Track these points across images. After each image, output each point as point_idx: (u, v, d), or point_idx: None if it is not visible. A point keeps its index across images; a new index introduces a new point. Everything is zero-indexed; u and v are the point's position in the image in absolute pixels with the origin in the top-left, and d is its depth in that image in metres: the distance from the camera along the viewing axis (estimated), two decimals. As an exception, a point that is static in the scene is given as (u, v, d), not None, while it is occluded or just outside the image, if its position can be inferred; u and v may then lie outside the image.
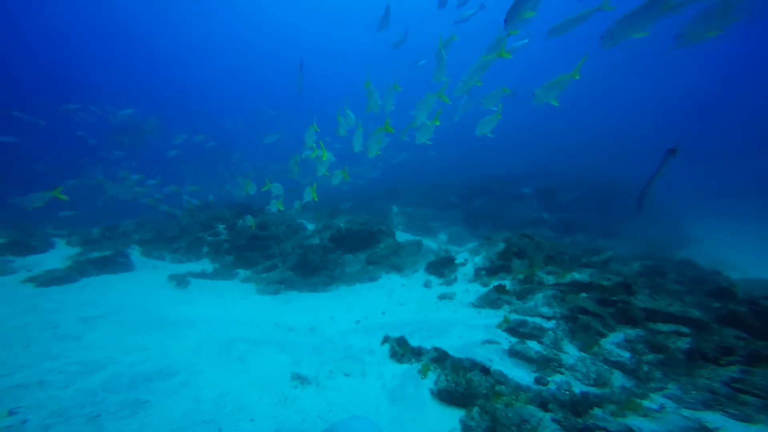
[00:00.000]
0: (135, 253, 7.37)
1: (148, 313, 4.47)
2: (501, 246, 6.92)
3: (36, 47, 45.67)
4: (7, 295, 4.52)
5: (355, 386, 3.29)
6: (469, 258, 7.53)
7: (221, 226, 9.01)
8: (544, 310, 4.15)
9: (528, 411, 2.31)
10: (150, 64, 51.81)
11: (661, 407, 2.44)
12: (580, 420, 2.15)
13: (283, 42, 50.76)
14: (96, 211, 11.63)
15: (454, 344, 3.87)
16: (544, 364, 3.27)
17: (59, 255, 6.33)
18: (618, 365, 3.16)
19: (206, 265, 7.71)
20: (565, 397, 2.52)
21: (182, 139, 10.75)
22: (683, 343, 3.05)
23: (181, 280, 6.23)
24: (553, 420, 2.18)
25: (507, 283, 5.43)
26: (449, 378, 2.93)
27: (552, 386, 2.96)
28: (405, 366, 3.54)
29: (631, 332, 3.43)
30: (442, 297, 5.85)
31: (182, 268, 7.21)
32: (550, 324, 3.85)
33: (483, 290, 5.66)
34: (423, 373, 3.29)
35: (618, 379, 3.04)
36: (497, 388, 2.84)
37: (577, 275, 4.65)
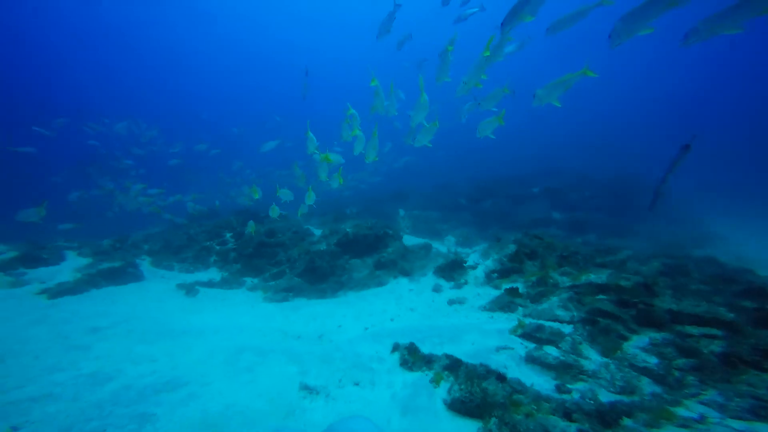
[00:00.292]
0: (145, 264, 7.42)
1: (157, 323, 4.45)
2: (511, 247, 6.74)
3: (37, 55, 46.80)
4: (20, 306, 4.57)
5: (364, 396, 3.18)
6: (480, 261, 7.37)
7: (228, 234, 9.04)
8: (561, 313, 3.98)
9: (551, 422, 2.16)
10: (155, 71, 53.13)
11: (702, 417, 2.25)
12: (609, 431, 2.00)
13: (288, 47, 51.60)
14: (106, 221, 11.83)
15: (466, 351, 3.72)
16: (564, 370, 3.10)
17: (71, 267, 6.41)
18: (645, 371, 2.97)
19: (214, 273, 7.72)
20: (590, 406, 2.36)
21: (180, 147, 10.86)
22: (716, 347, 2.85)
23: (189, 290, 6.22)
24: (580, 431, 2.03)
25: (519, 285, 5.26)
26: (463, 387, 2.80)
27: (575, 394, 2.79)
28: (416, 374, 3.41)
29: (657, 335, 3.24)
30: (452, 302, 5.70)
31: (190, 277, 7.23)
32: (568, 328, 3.68)
33: (495, 294, 5.50)
34: (435, 381, 3.15)
35: (647, 385, 2.85)
36: (515, 397, 2.69)
37: (593, 276, 4.47)
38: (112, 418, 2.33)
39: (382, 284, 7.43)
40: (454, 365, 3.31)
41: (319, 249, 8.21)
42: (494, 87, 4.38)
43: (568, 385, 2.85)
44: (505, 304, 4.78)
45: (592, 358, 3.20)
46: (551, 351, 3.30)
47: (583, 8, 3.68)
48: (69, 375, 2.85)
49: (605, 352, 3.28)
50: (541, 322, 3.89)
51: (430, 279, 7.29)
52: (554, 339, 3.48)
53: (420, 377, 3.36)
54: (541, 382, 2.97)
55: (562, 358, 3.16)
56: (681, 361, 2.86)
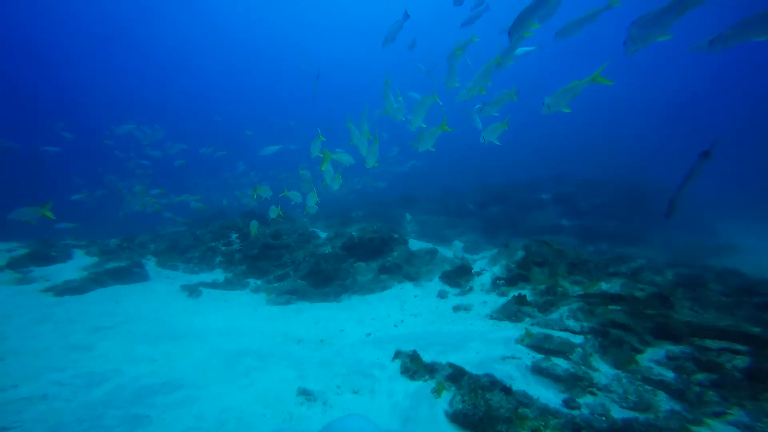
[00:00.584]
0: (150, 264, 7.48)
1: (159, 324, 4.44)
2: (520, 254, 6.57)
3: (43, 55, 48.15)
4: (26, 304, 4.62)
5: (363, 405, 3.08)
6: (486, 267, 7.21)
7: (234, 236, 9.08)
8: (570, 323, 3.81)
9: (558, 440, 2.03)
10: (168, 73, 54.42)
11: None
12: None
13: (299, 50, 52.45)
14: (116, 221, 12.03)
15: (471, 360, 3.59)
16: (574, 383, 2.95)
17: (78, 265, 6.50)
18: (662, 385, 2.80)
19: (218, 274, 7.74)
20: (602, 423, 2.21)
21: (179, 148, 10.99)
22: (740, 362, 2.66)
23: (192, 291, 6.23)
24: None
25: (527, 293, 5.10)
26: (466, 399, 2.68)
27: (585, 410, 2.64)
28: (418, 383, 3.29)
29: (674, 348, 3.06)
30: (457, 308, 5.56)
31: (195, 278, 7.25)
32: (578, 339, 3.52)
33: (501, 301, 5.34)
34: (437, 392, 3.03)
35: (664, 401, 2.68)
36: (521, 411, 2.56)
37: (605, 285, 4.29)
38: (104, 419, 2.28)
39: (387, 289, 7.33)
40: (457, 375, 3.19)
41: (324, 252, 8.17)
42: (499, 90, 4.30)
43: (578, 399, 2.70)
44: (512, 312, 4.63)
45: (604, 370, 3.03)
46: (560, 362, 3.14)
47: (592, 12, 3.62)
48: (67, 375, 2.83)
49: (617, 365, 3.11)
50: (549, 331, 3.73)
51: (435, 284, 7.16)
52: (563, 350, 3.32)
53: (422, 387, 3.24)
54: (549, 396, 2.83)
55: (571, 369, 3.01)
56: (701, 376, 2.68)
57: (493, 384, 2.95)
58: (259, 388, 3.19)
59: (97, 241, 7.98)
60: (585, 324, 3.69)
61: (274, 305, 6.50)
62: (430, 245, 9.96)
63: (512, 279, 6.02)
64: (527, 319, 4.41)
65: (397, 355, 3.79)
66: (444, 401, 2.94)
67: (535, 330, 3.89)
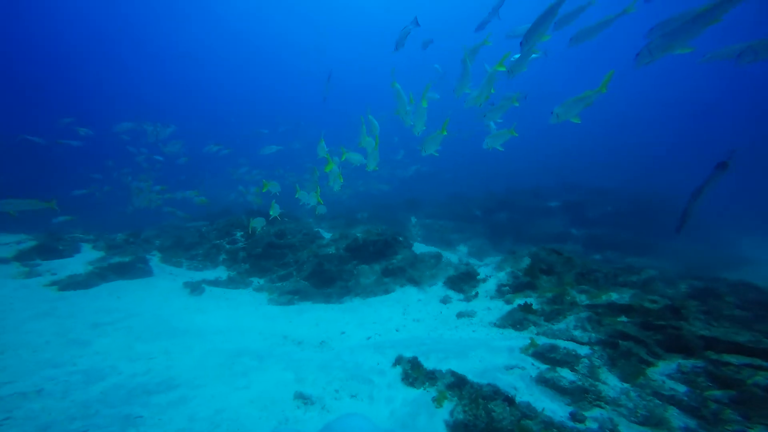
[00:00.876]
0: (155, 260, 7.53)
1: (159, 321, 4.43)
2: (526, 261, 6.44)
3: (57, 54, 49.19)
4: (29, 298, 4.66)
5: (361, 410, 3.00)
6: (492, 273, 7.08)
7: (239, 233, 9.10)
8: (578, 333, 3.69)
9: (563, 457, 1.92)
10: (179, 72, 55.39)
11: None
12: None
13: (310, 53, 52.99)
14: (126, 215, 12.17)
15: (473, 368, 3.49)
16: (580, 395, 2.83)
17: (84, 259, 6.55)
18: (673, 400, 2.66)
19: (222, 272, 7.74)
20: (609, 441, 2.10)
21: (179, 146, 11.07)
22: (762, 379, 2.51)
23: (195, 288, 6.23)
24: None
25: (533, 301, 4.97)
26: (467, 409, 2.58)
27: (592, 423, 2.52)
28: (418, 391, 3.20)
29: (687, 362, 2.92)
30: (461, 315, 5.45)
31: (198, 275, 7.26)
32: (585, 350, 3.39)
33: (506, 309, 5.21)
34: (438, 401, 2.94)
35: (676, 417, 2.55)
36: (524, 423, 2.45)
37: (614, 296, 4.15)
38: (97, 418, 2.25)
39: (389, 292, 7.25)
40: (458, 383, 3.09)
41: (327, 252, 8.13)
42: (505, 97, 4.25)
43: (585, 413, 2.58)
44: (517, 320, 4.51)
45: (612, 383, 2.91)
46: (566, 374, 3.02)
47: (606, 18, 3.60)
48: (63, 371, 2.81)
49: (626, 378, 2.98)
50: (555, 341, 3.61)
51: (439, 289, 7.05)
52: (570, 360, 3.20)
53: (422, 394, 3.15)
54: (554, 408, 2.71)
55: (578, 381, 2.89)
56: (718, 393, 2.54)
57: (495, 394, 2.85)
58: (255, 389, 3.13)
59: (104, 235, 8.07)
60: (593, 335, 3.57)
61: (275, 305, 6.46)
62: (434, 249, 9.85)
63: (518, 286, 5.89)
64: (533, 328, 4.29)
65: (398, 360, 3.70)
66: (445, 411, 2.85)
67: (541, 340, 3.77)
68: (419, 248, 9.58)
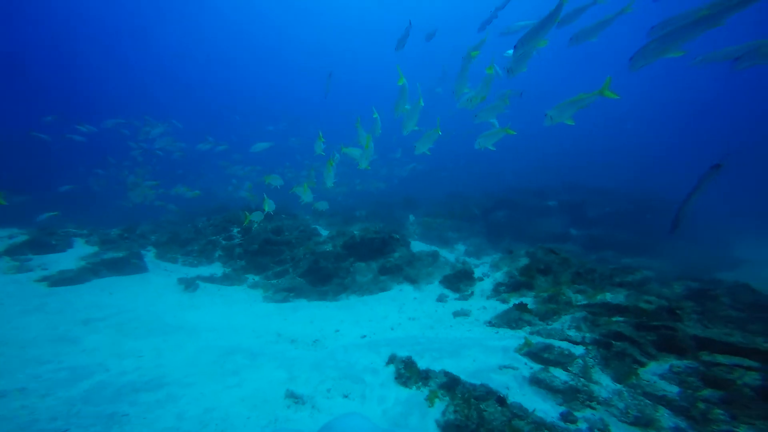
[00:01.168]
0: (149, 255, 7.47)
1: (151, 317, 4.38)
2: (524, 261, 6.42)
3: (47, 51, 49.08)
4: (19, 293, 4.60)
5: (353, 410, 2.97)
6: (489, 272, 7.06)
7: (235, 230, 9.05)
8: (572, 333, 3.67)
9: (553, 460, 1.90)
10: (177, 69, 55.14)
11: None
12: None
13: (318, 49, 52.78)
14: (123, 210, 12.10)
15: (466, 368, 3.47)
16: (572, 395, 2.81)
17: (76, 254, 6.49)
18: (664, 401, 2.65)
19: (217, 269, 7.70)
20: (600, 443, 2.08)
21: (166, 141, 11.06)
22: (751, 379, 2.50)
23: (189, 284, 6.18)
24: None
25: (529, 301, 4.95)
26: (458, 409, 2.56)
27: (583, 424, 2.50)
28: (411, 391, 3.18)
29: (679, 363, 2.90)
30: (457, 313, 5.42)
31: (193, 271, 7.22)
32: (579, 350, 3.37)
33: (502, 308, 5.20)
34: (430, 401, 2.92)
35: (666, 417, 2.53)
36: (515, 423, 2.43)
37: (609, 296, 4.13)
38: (80, 417, 2.21)
39: (386, 290, 7.23)
40: (451, 384, 3.07)
41: (324, 250, 8.09)
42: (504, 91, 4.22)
43: (576, 413, 2.56)
44: (512, 319, 4.48)
45: (604, 383, 2.89)
46: (559, 374, 3.00)
47: (606, 18, 3.60)
48: (49, 368, 2.77)
49: (618, 378, 2.96)
50: (549, 341, 3.59)
51: (435, 288, 7.03)
52: (563, 361, 3.18)
53: (414, 394, 3.13)
54: (546, 408, 2.69)
55: (570, 382, 2.87)
56: (707, 393, 2.53)
57: (488, 394, 2.83)
58: (247, 388, 3.10)
59: (98, 230, 7.99)
60: (587, 335, 3.55)
61: (270, 302, 6.43)
62: (432, 248, 9.83)
63: (514, 285, 5.87)
64: (527, 327, 4.27)
65: (392, 360, 3.68)
66: (437, 411, 2.83)
67: (535, 339, 3.75)
68: (417, 246, 9.55)
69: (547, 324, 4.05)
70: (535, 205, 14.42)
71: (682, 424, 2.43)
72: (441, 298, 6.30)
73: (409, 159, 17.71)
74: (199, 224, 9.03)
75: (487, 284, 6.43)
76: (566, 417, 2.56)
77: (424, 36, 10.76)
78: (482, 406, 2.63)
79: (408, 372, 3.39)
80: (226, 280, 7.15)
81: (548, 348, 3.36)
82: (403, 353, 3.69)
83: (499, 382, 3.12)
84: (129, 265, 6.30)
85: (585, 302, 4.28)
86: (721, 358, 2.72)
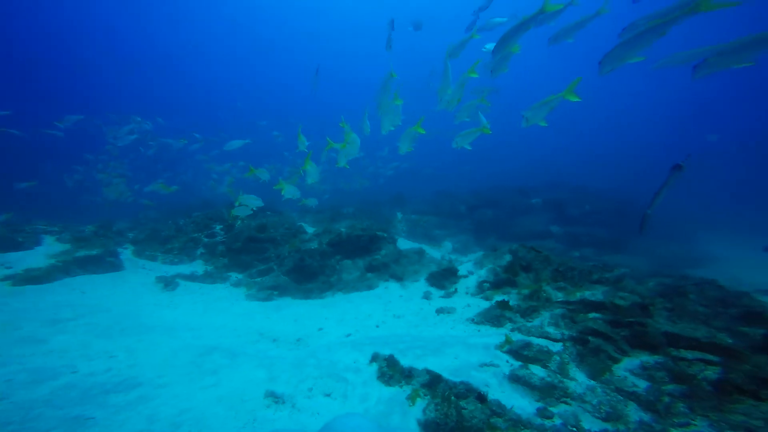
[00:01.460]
0: (126, 253, 7.20)
1: (127, 317, 4.22)
2: (507, 258, 6.52)
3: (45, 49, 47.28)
4: (-20, 292, 4.34)
5: (334, 409, 2.95)
6: (473, 269, 7.14)
7: (218, 227, 8.83)
8: (551, 330, 3.75)
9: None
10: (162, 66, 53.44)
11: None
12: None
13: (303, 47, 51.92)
14: (100, 207, 11.63)
15: (449, 365, 3.50)
16: (549, 392, 2.88)
17: (45, 252, 6.16)
18: (633, 396, 2.76)
19: (199, 267, 7.50)
20: (572, 437, 2.14)
21: (131, 139, 10.85)
22: (711, 373, 2.63)
23: (169, 282, 6.00)
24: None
25: (511, 298, 5.03)
26: (439, 408, 2.58)
27: (557, 420, 2.56)
28: (393, 389, 3.18)
29: (650, 359, 3.02)
30: (441, 311, 5.47)
31: (173, 269, 7.01)
32: (557, 346, 3.45)
33: (485, 305, 5.27)
34: (411, 399, 2.93)
35: (634, 412, 2.63)
36: (493, 421, 2.47)
37: (587, 293, 4.25)
38: (39, 421, 2.10)
39: (372, 288, 7.22)
40: (433, 382, 3.09)
41: (310, 247, 8.00)
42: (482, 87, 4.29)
43: (552, 409, 2.63)
44: (494, 317, 4.55)
45: (579, 380, 2.97)
46: (537, 371, 3.07)
47: (583, 19, 3.72)
48: (8, 371, 2.61)
49: (593, 374, 3.05)
50: (529, 338, 3.67)
51: (421, 285, 7.07)
52: (541, 358, 3.25)
53: (397, 393, 3.13)
54: (524, 405, 2.75)
55: (547, 378, 2.94)
56: (672, 387, 2.64)
57: (468, 392, 2.86)
58: (224, 388, 3.03)
59: (71, 227, 7.63)
60: (565, 331, 3.64)
61: (253, 300, 6.32)
62: (419, 245, 9.87)
63: (497, 283, 5.96)
64: (509, 324, 4.34)
65: (374, 358, 3.67)
66: (418, 409, 2.84)
67: (516, 336, 3.82)
68: (404, 244, 9.57)
69: (528, 321, 4.14)
70: (519, 203, 14.69)
71: (647, 417, 2.52)
72: (426, 296, 6.34)
73: (394, 157, 17.68)
74: (180, 221, 8.76)
75: (471, 281, 6.51)
76: (542, 413, 2.62)
77: (411, 26, 10.80)
78: (462, 404, 2.65)
79: (391, 370, 3.39)
80: (207, 278, 6.98)
81: (527, 345, 3.42)
82: (386, 351, 3.70)
83: (479, 379, 3.17)
84: (104, 264, 6.04)
85: (564, 299, 4.39)
86: (686, 353, 2.84)
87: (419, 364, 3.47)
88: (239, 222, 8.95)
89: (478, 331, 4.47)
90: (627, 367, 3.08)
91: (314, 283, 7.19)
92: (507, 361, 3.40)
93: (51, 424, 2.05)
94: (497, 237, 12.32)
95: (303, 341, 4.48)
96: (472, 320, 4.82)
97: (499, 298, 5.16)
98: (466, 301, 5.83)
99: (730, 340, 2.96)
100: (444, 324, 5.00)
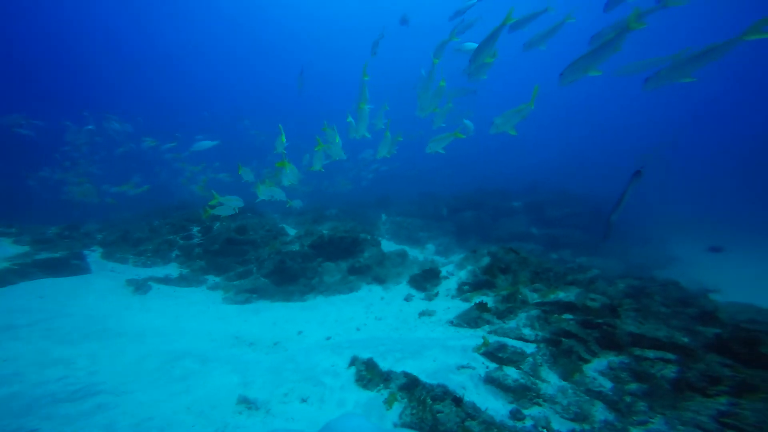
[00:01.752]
0: (94, 255, 6.82)
1: (90, 322, 4.00)
2: (486, 260, 6.63)
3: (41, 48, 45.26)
4: None
5: (309, 415, 2.90)
6: (454, 271, 7.22)
7: (195, 229, 8.53)
8: (527, 332, 3.84)
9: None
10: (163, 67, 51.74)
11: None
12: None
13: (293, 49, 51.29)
14: (68, 210, 11.03)
15: (427, 368, 3.50)
16: (522, 393, 2.94)
17: (0, 255, 5.75)
18: (600, 396, 2.85)
19: (174, 269, 7.22)
20: (542, 438, 2.19)
21: (84, 139, 10.63)
22: (669, 372, 2.77)
23: (140, 286, 5.73)
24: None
25: (489, 300, 5.12)
26: (414, 411, 2.58)
27: (528, 422, 2.62)
28: (371, 393, 3.16)
29: (615, 359, 3.14)
30: (422, 313, 5.49)
31: (145, 272, 6.70)
32: (531, 347, 3.53)
33: (465, 307, 5.33)
34: (389, 403, 2.91)
35: (600, 412, 2.73)
36: (467, 424, 2.49)
37: (561, 294, 4.38)
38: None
39: (354, 290, 7.18)
40: (411, 385, 3.08)
41: (291, 249, 7.86)
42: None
43: (524, 411, 2.68)
44: (472, 319, 4.61)
45: (552, 381, 3.05)
46: (511, 372, 3.13)
47: (554, 26, 3.92)
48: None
49: (565, 375, 3.14)
50: (505, 340, 3.73)
51: (403, 288, 7.08)
52: (516, 359, 3.32)
53: (375, 397, 3.11)
54: (497, 407, 2.79)
55: (521, 380, 3.00)
56: (634, 386, 2.76)
57: (445, 394, 2.87)
58: (194, 394, 2.92)
59: (29, 228, 7.14)
60: (539, 333, 3.73)
61: (231, 304, 6.14)
62: (402, 247, 9.90)
63: (477, 285, 6.05)
64: (487, 326, 4.41)
65: (353, 362, 3.63)
66: (394, 413, 2.83)
67: (492, 338, 3.88)
68: (388, 246, 9.58)
69: (504, 323, 4.22)
70: (501, 206, 15.02)
71: (611, 417, 2.62)
72: (408, 298, 6.35)
73: (375, 159, 17.69)
74: (155, 222, 8.40)
75: (452, 283, 6.58)
76: (515, 415, 2.67)
77: (399, 22, 10.99)
78: (438, 407, 2.66)
79: (369, 374, 3.36)
80: (182, 281, 6.72)
81: (503, 347, 3.48)
82: (366, 355, 3.67)
83: (456, 382, 3.19)
84: (68, 267, 5.69)
85: (539, 300, 4.51)
86: (648, 353, 2.97)
87: (398, 367, 3.46)
88: (218, 224, 8.70)
89: (457, 333, 4.51)
90: (596, 368, 3.18)
91: (295, 286, 7.07)
92: (483, 363, 3.44)
93: (-9, 440, 1.90)
94: (479, 239, 12.53)
95: (281, 345, 4.39)
96: (452, 322, 4.87)
97: (478, 300, 5.24)
98: (447, 303, 5.88)
99: (686, 339, 3.13)
100: (424, 326, 5.02)
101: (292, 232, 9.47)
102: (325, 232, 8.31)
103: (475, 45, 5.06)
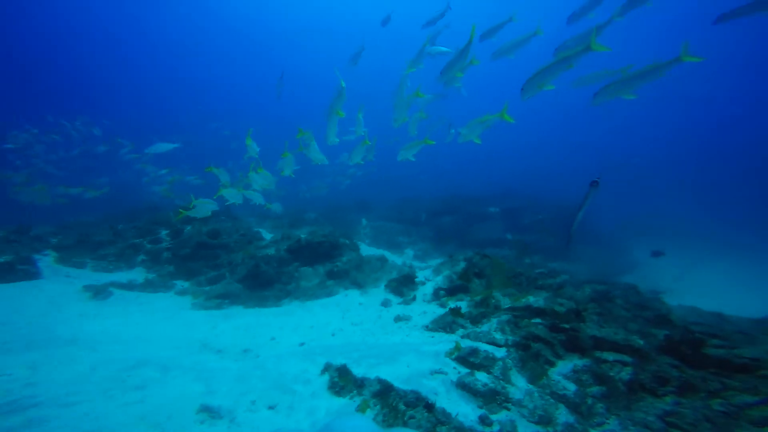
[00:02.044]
0: (47, 260, 6.31)
1: (36, 330, 3.68)
2: (461, 265, 6.76)
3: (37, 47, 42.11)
4: None
5: (277, 423, 2.80)
6: (431, 276, 7.30)
7: (164, 232, 8.11)
8: (498, 336, 3.93)
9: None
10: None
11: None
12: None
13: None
14: (18, 212, 10.18)
15: (401, 374, 3.50)
16: (491, 398, 3.00)
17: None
18: (563, 399, 2.97)
19: (139, 274, 6.81)
20: (507, 442, 2.23)
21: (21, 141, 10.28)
22: (625, 374, 2.93)
23: (99, 291, 5.36)
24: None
25: (463, 305, 5.21)
26: (386, 418, 2.56)
27: (496, 427, 2.67)
28: (343, 400, 3.10)
29: (579, 362, 3.28)
30: (398, 318, 5.50)
31: (106, 277, 6.28)
32: (502, 352, 3.62)
33: (440, 312, 5.39)
34: (361, 410, 2.87)
35: (563, 414, 2.83)
36: (438, 430, 2.50)
37: (532, 299, 4.53)
38: None
39: (332, 295, 7.08)
40: (384, 391, 3.06)
41: (266, 254, 7.64)
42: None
43: (492, 416, 2.73)
44: (446, 323, 4.67)
45: (520, 385, 3.13)
46: (481, 377, 3.18)
47: (523, 37, 4.14)
48: None
49: (532, 379, 3.24)
50: (477, 344, 3.80)
51: (380, 293, 7.07)
52: (487, 364, 3.38)
53: (347, 404, 3.06)
54: (467, 411, 2.83)
55: (491, 384, 3.06)
56: (595, 389, 2.89)
57: (417, 400, 2.87)
58: (150, 404, 2.74)
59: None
60: (510, 337, 3.83)
61: (200, 310, 5.87)
62: (381, 252, 9.90)
63: (453, 290, 6.14)
64: (460, 331, 4.48)
65: (327, 368, 3.57)
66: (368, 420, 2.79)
67: (465, 343, 3.94)
68: (367, 250, 9.54)
69: (477, 327, 4.30)
70: (478, 212, 15.39)
71: (572, 419, 2.73)
72: (385, 303, 6.34)
73: (350, 165, 17.68)
74: (119, 226, 7.90)
75: (428, 288, 6.64)
76: (484, 420, 2.72)
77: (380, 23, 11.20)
78: (410, 413, 2.66)
79: (342, 381, 3.31)
80: (148, 286, 6.35)
81: (475, 352, 3.54)
82: (340, 361, 3.61)
83: (429, 387, 3.20)
84: (13, 272, 5.20)
85: (511, 305, 4.64)
86: (608, 356, 3.13)
87: (372, 373, 3.43)
88: (189, 227, 8.32)
89: (432, 338, 4.54)
90: (561, 371, 3.31)
91: (270, 291, 6.88)
92: (455, 368, 3.48)
93: None
94: (457, 244, 12.75)
95: (252, 352, 4.24)
96: (427, 327, 4.90)
97: (452, 305, 5.32)
98: (423, 308, 5.92)
99: (641, 342, 3.33)
100: (401, 331, 5.02)
101: (268, 236, 9.23)
102: (302, 236, 8.16)
103: (445, 48, 5.28)
